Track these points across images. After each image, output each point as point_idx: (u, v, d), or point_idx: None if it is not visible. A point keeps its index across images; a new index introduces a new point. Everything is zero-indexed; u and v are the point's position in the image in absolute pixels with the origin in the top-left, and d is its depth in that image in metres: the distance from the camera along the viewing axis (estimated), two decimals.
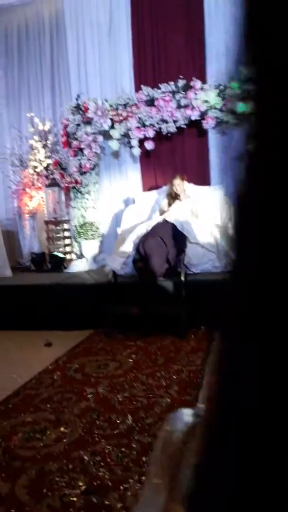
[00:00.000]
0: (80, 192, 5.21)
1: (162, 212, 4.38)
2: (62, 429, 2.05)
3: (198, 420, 0.53)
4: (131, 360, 2.90)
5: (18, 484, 1.65)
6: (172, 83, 4.78)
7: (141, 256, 3.77)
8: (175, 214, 4.15)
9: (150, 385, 2.48)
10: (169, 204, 4.44)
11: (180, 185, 4.42)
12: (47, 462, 1.78)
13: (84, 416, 2.16)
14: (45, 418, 2.17)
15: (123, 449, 1.83)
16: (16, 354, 3.28)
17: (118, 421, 2.08)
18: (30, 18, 5.80)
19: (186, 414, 0.54)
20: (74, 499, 1.54)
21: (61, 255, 5.01)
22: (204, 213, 4.46)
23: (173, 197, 4.47)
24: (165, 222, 4.02)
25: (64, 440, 1.94)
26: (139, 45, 5.29)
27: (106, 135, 5.10)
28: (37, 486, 1.63)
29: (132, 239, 3.97)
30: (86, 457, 1.79)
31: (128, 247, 3.95)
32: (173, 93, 4.75)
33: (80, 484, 1.62)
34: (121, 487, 1.58)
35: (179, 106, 4.74)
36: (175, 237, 3.87)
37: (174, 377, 2.56)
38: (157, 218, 4.17)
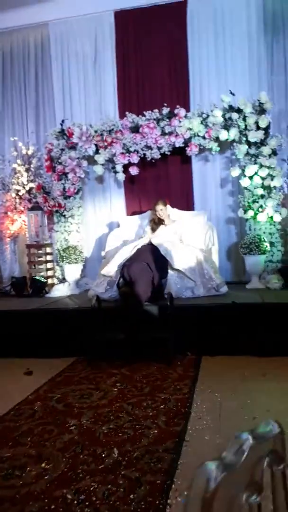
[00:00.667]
0: (64, 216, 5.17)
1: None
2: (43, 465, 1.91)
3: (225, 476, 0.47)
4: (115, 389, 2.79)
5: None
6: (156, 110, 4.87)
7: (125, 281, 3.71)
8: (160, 238, 4.13)
9: (137, 415, 2.37)
10: (153, 230, 4.42)
11: (164, 210, 4.42)
12: (27, 502, 1.64)
13: (67, 450, 2.03)
14: (25, 453, 2.03)
15: (109, 486, 1.71)
16: None
17: (104, 455, 1.96)
18: (16, 44, 5.88)
19: (211, 469, 0.47)
20: None
21: (42, 279, 4.90)
22: (188, 237, 4.46)
23: (156, 223, 4.45)
24: (150, 245, 4.00)
25: (46, 477, 1.81)
26: (124, 73, 5.42)
27: (91, 160, 5.12)
28: None
29: (117, 260, 3.91)
30: (69, 496, 1.66)
31: (112, 267, 3.89)
32: (158, 120, 4.84)
33: None
34: None
35: (163, 133, 4.82)
36: (159, 260, 3.84)
37: (161, 406, 2.46)
38: (143, 240, 4.14)
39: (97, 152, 5.02)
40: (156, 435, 2.13)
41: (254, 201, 4.61)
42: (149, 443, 2.05)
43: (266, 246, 4.43)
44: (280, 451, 0.61)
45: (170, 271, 3.91)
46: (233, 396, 2.57)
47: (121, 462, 1.89)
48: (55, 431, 2.24)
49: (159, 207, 4.42)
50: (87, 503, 1.61)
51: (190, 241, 4.46)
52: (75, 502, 1.62)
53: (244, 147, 4.60)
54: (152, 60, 5.33)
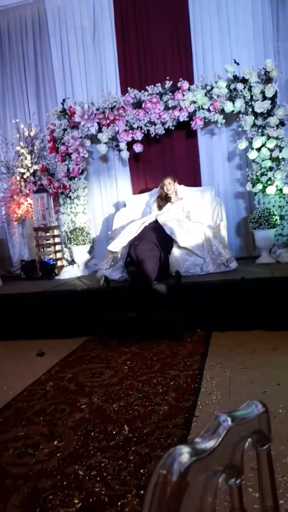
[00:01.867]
0: (69, 198, 5.13)
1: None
2: (55, 442, 1.95)
3: (195, 459, 0.46)
4: (126, 367, 2.81)
5: (10, 504, 1.55)
6: (159, 84, 4.74)
7: (133, 260, 3.70)
8: (166, 216, 4.09)
9: (147, 392, 2.39)
10: (159, 207, 4.37)
11: (171, 184, 4.36)
12: (40, 479, 1.68)
13: (78, 428, 2.06)
14: (38, 431, 2.08)
15: (120, 462, 1.74)
16: (6, 365, 3.17)
17: (114, 432, 1.99)
18: (13, 23, 5.73)
19: (184, 453, 0.46)
20: None
21: (51, 262, 4.91)
22: (196, 214, 4.40)
23: (163, 199, 4.40)
24: (156, 223, 3.96)
25: (58, 455, 1.84)
26: (124, 48, 5.26)
27: (94, 139, 5.04)
28: (30, 505, 1.53)
29: (123, 236, 3.89)
30: (81, 472, 1.70)
31: (118, 243, 3.87)
32: (160, 94, 4.71)
33: (76, 501, 1.53)
34: (119, 503, 1.49)
35: (166, 108, 4.70)
36: (164, 238, 3.81)
37: (171, 383, 2.48)
38: (149, 217, 4.10)
39: (100, 130, 4.94)
40: (166, 411, 2.14)
41: (262, 174, 4.51)
42: (159, 419, 2.07)
43: (276, 220, 4.34)
44: (265, 431, 0.59)
45: (177, 249, 3.88)
46: (243, 371, 2.57)
47: (132, 438, 1.92)
48: (67, 410, 2.28)
49: (167, 180, 4.36)
50: (98, 479, 1.64)
51: (197, 217, 4.40)
52: (87, 478, 1.65)
53: (250, 119, 4.47)
54: (153, 32, 5.15)
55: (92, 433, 2.00)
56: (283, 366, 2.61)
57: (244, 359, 2.77)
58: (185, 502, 0.43)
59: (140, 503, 1.48)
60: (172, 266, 3.82)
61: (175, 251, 3.87)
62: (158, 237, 3.74)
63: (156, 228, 3.86)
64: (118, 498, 1.52)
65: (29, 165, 5.28)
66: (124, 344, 3.28)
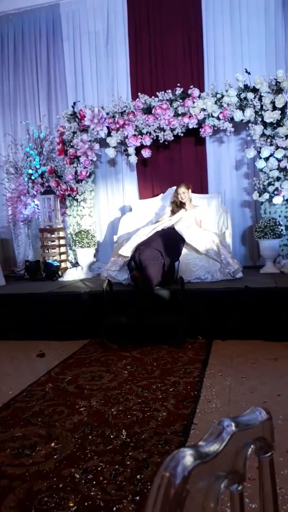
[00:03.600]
0: (76, 200, 5.15)
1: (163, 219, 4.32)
2: (53, 444, 1.94)
3: (198, 463, 0.46)
4: (126, 372, 2.80)
5: (4, 505, 1.55)
6: (169, 91, 4.77)
7: (136, 264, 3.70)
8: (179, 225, 4.09)
9: (146, 398, 2.38)
10: (173, 212, 4.36)
11: (186, 193, 4.34)
12: (36, 480, 1.68)
13: (76, 430, 2.06)
14: (36, 433, 2.07)
15: (116, 467, 1.73)
16: (6, 365, 3.17)
17: (112, 436, 1.98)
18: (27, 26, 5.80)
19: (187, 455, 0.46)
20: None
21: (55, 263, 4.93)
22: (206, 222, 4.40)
23: (177, 205, 4.38)
24: (165, 230, 3.97)
25: (55, 457, 1.84)
26: (136, 53, 5.30)
27: (103, 143, 5.06)
28: (25, 506, 1.53)
29: (134, 241, 3.89)
30: (77, 475, 1.69)
31: (129, 248, 3.87)
32: (171, 101, 4.74)
33: (71, 504, 1.52)
34: (114, 508, 1.48)
35: (176, 114, 4.72)
36: (172, 245, 3.81)
37: (171, 389, 2.47)
38: (161, 224, 4.11)
39: (109, 134, 4.96)
40: (164, 417, 2.13)
41: (269, 184, 4.50)
42: (158, 425, 2.06)
43: (282, 230, 4.33)
44: (268, 438, 0.59)
45: (191, 254, 3.88)
46: (243, 380, 2.55)
47: (129, 443, 1.91)
48: (65, 412, 2.27)
49: (182, 189, 4.34)
50: (94, 483, 1.63)
51: (204, 225, 4.40)
52: (83, 481, 1.64)
53: (259, 128, 4.48)
54: (165, 39, 5.19)
55: (90, 437, 1.99)
56: (284, 376, 2.59)
57: (245, 368, 2.75)
58: (187, 506, 0.43)
59: (136, 509, 1.47)
60: (183, 272, 3.81)
61: (187, 257, 3.88)
62: (165, 244, 3.73)
63: (164, 235, 3.86)
64: (113, 503, 1.51)
65: (37, 166, 5.30)
66: (125, 348, 3.27)
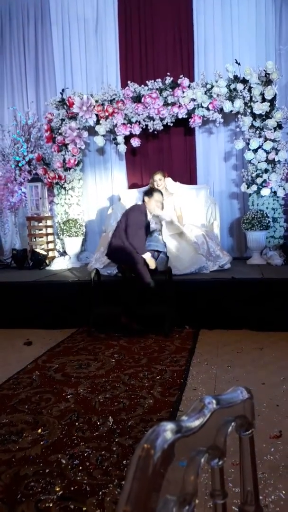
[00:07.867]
0: (64, 188, 5.11)
1: None
2: (39, 431, 1.95)
3: (179, 436, 0.47)
4: (113, 360, 2.82)
5: None
6: (159, 80, 4.73)
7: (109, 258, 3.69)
8: (164, 233, 4.05)
9: (133, 385, 2.40)
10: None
11: (162, 180, 4.34)
12: (22, 466, 1.69)
13: (63, 417, 2.07)
14: (22, 419, 2.08)
15: (103, 452, 1.75)
16: None
17: (99, 423, 2.00)
18: (14, 7, 5.65)
19: (168, 429, 0.47)
20: (50, 505, 1.45)
21: (43, 252, 4.89)
22: (189, 212, 4.40)
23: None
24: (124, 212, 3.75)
25: (42, 443, 1.85)
26: (126, 41, 5.23)
27: (91, 131, 5.01)
28: (12, 491, 1.54)
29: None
30: (63, 461, 1.70)
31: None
32: (160, 90, 4.70)
33: (57, 489, 1.54)
34: (100, 492, 1.50)
35: (166, 104, 4.69)
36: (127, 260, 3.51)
37: (158, 377, 2.49)
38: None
39: (98, 122, 4.91)
40: (151, 405, 2.16)
41: (257, 176, 4.53)
42: (144, 412, 2.08)
43: (269, 222, 4.38)
44: (248, 416, 0.60)
45: (181, 247, 3.88)
46: (229, 369, 2.60)
47: (116, 430, 1.93)
48: (52, 399, 2.28)
49: (158, 176, 4.33)
50: (80, 468, 1.65)
51: (191, 215, 4.41)
52: (69, 466, 1.66)
53: (248, 119, 4.49)
54: (155, 27, 5.13)
55: (77, 423, 2.00)
56: (269, 365, 2.64)
57: (230, 357, 2.79)
58: (168, 478, 0.44)
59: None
60: (173, 266, 3.74)
61: (176, 251, 3.88)
62: (123, 224, 3.54)
63: (123, 218, 3.62)
64: (99, 487, 1.53)
65: (25, 153, 5.23)
66: (112, 337, 3.29)
